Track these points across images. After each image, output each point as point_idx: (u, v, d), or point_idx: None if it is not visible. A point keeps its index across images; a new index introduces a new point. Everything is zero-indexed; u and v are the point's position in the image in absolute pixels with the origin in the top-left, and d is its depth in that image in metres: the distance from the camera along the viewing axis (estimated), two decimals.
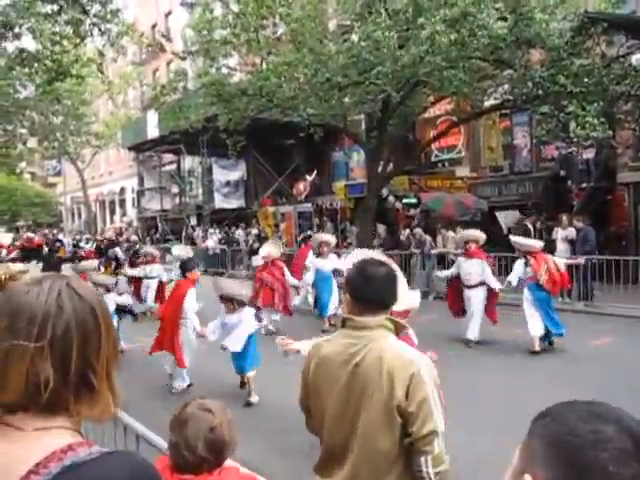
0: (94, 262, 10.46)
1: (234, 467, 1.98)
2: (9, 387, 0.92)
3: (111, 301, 7.91)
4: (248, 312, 6.26)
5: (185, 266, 7.21)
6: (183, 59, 14.74)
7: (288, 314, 9.86)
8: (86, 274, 8.89)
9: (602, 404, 0.82)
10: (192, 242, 22.95)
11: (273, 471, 3.60)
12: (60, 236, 29.95)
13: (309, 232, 16.24)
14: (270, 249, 10.21)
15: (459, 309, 8.77)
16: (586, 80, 10.92)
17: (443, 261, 12.76)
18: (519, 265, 8.37)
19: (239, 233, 21.22)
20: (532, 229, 12.69)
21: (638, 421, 0.78)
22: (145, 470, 0.95)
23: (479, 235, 8.64)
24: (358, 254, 4.67)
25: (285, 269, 10.13)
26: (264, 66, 13.89)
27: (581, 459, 0.74)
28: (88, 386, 0.98)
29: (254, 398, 6.09)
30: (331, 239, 10.59)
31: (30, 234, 27.22)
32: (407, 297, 4.44)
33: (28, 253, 21.06)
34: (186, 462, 1.83)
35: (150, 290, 11.45)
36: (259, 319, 7.26)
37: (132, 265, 13.54)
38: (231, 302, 6.09)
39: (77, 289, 1.01)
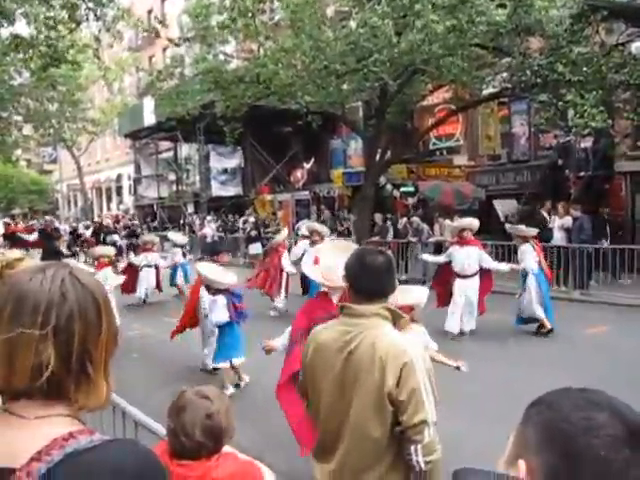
0: (111, 249, 10.19)
1: (232, 453, 2.00)
2: (16, 374, 0.93)
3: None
4: (220, 300, 6.05)
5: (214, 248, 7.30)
6: (177, 45, 14.59)
7: (271, 297, 10.17)
8: (102, 261, 8.74)
9: (596, 391, 0.82)
10: (191, 230, 22.93)
11: (270, 458, 3.62)
12: (56, 224, 29.85)
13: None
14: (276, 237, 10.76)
15: (446, 298, 8.47)
16: (585, 69, 10.88)
17: (440, 249, 12.77)
18: (530, 250, 8.28)
19: (237, 221, 21.21)
20: (548, 217, 12.45)
21: (631, 408, 0.79)
22: (147, 458, 0.96)
23: (475, 223, 8.62)
24: (328, 244, 4.72)
25: (285, 254, 10.41)
26: (261, 52, 13.79)
27: (574, 446, 0.75)
28: (86, 375, 0.98)
29: (229, 390, 5.82)
30: (323, 229, 10.54)
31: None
32: (414, 292, 4.46)
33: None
34: (184, 448, 1.85)
35: (145, 281, 11.45)
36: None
37: (135, 250, 13.58)
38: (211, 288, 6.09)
39: (80, 277, 1.02)
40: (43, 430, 0.92)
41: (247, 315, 6.20)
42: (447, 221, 12.77)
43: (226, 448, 1.99)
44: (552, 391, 0.86)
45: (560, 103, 11.64)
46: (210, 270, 6.21)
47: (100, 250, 9.60)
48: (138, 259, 11.79)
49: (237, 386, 6.10)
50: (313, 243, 9.89)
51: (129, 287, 11.04)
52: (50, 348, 0.93)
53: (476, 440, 4.39)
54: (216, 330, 6.10)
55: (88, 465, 0.88)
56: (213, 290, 6.04)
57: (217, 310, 5.94)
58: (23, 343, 0.93)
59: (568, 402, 0.80)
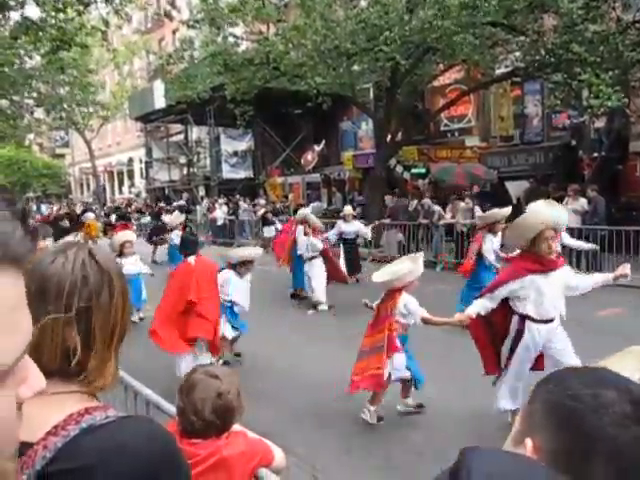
0: (132, 234, 9.62)
1: (242, 432, 2.02)
2: (43, 357, 0.94)
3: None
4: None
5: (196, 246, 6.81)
6: (191, 27, 14.48)
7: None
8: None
9: (604, 370, 0.82)
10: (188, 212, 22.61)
11: (286, 438, 3.66)
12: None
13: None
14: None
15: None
16: (601, 48, 10.66)
17: (451, 232, 12.70)
18: None
19: (244, 205, 21.20)
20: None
21: (638, 386, 0.78)
22: (162, 436, 0.97)
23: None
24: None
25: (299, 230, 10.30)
26: (271, 32, 13.68)
27: (581, 423, 0.75)
28: (102, 355, 1.01)
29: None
30: (317, 223, 10.33)
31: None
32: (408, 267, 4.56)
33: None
34: (194, 427, 1.87)
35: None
36: None
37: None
38: (250, 263, 6.32)
39: (99, 259, 1.03)
40: (59, 405, 0.93)
41: None
42: (461, 203, 12.65)
43: (236, 427, 2.01)
44: (560, 369, 0.86)
45: (575, 83, 11.44)
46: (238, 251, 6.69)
47: (124, 236, 8.78)
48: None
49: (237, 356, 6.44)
50: (305, 233, 9.60)
51: None
52: (75, 332, 0.96)
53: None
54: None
55: (103, 441, 0.89)
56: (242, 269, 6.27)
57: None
58: (50, 326, 0.94)
59: (576, 380, 0.80)
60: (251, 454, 1.93)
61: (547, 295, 4.14)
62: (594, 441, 0.73)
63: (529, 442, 0.79)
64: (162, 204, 25.19)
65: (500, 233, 7.41)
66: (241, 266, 6.28)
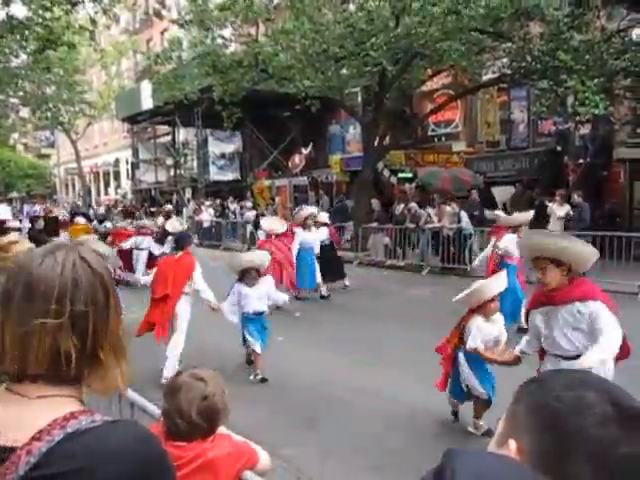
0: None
1: (227, 434, 2.01)
2: (31, 361, 0.93)
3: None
4: (270, 281, 6.23)
5: (184, 241, 6.94)
6: (181, 26, 14.39)
7: (295, 291, 9.79)
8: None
9: (587, 372, 0.83)
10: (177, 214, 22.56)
11: (265, 438, 3.65)
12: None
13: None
14: (273, 224, 10.00)
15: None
16: (587, 57, 10.80)
17: (437, 236, 12.77)
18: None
19: (234, 206, 21.16)
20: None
21: (620, 388, 0.80)
22: (148, 440, 0.96)
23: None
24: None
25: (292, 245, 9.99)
26: (261, 32, 13.68)
27: (563, 424, 0.76)
28: (98, 359, 0.99)
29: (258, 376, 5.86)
30: (316, 213, 10.52)
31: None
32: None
33: None
34: (179, 429, 1.86)
35: (140, 262, 11.46)
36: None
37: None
38: (256, 272, 5.97)
39: (90, 261, 1.01)
40: (44, 409, 0.92)
41: None
42: (447, 207, 12.72)
43: (222, 429, 2.01)
44: (545, 372, 0.87)
45: (561, 90, 11.57)
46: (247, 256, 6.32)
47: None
48: (127, 243, 11.77)
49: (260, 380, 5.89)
50: (307, 227, 9.95)
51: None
52: (69, 337, 0.93)
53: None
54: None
55: (89, 445, 0.88)
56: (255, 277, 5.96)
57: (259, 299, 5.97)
58: (37, 331, 0.92)
59: (559, 382, 0.81)
60: (237, 456, 1.93)
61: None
62: (577, 442, 0.74)
63: (512, 443, 0.79)
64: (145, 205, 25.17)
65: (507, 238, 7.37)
66: (246, 275, 5.97)
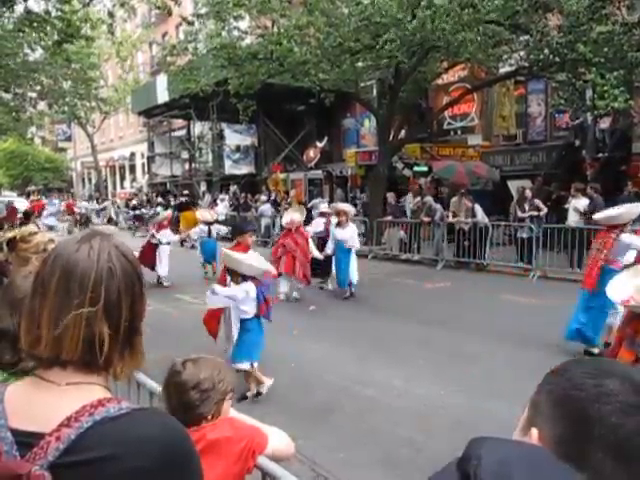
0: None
1: (231, 418, 2.04)
2: (65, 347, 0.94)
3: None
4: (249, 286, 5.09)
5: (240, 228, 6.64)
6: (190, 24, 14.36)
7: (307, 283, 9.49)
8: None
9: (609, 360, 0.83)
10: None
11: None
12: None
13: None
14: (294, 215, 9.76)
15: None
16: (606, 49, 10.61)
17: (453, 230, 12.70)
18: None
19: (248, 199, 21.21)
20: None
21: None
22: (174, 427, 0.97)
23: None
24: None
25: (310, 238, 9.80)
26: (275, 29, 13.65)
27: (585, 412, 0.76)
28: (131, 346, 1.01)
29: (253, 391, 5.18)
30: (350, 209, 10.35)
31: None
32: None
33: None
34: (175, 413, 1.87)
35: (165, 256, 11.42)
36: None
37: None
38: (237, 274, 5.18)
39: (123, 251, 1.02)
40: (73, 396, 0.93)
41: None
42: (465, 201, 12.60)
43: (233, 413, 2.05)
44: (567, 361, 0.87)
45: (579, 83, 11.41)
46: (240, 255, 5.38)
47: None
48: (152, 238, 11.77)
49: (258, 394, 5.18)
50: (339, 224, 9.71)
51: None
52: (103, 325, 0.95)
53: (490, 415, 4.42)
54: (238, 324, 5.34)
55: (117, 433, 0.89)
56: (238, 277, 5.16)
57: (247, 302, 5.09)
58: (72, 318, 0.93)
59: (580, 370, 0.81)
60: (238, 439, 1.93)
61: None
62: (597, 429, 0.74)
63: (534, 431, 0.80)
64: (159, 199, 25.34)
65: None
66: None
